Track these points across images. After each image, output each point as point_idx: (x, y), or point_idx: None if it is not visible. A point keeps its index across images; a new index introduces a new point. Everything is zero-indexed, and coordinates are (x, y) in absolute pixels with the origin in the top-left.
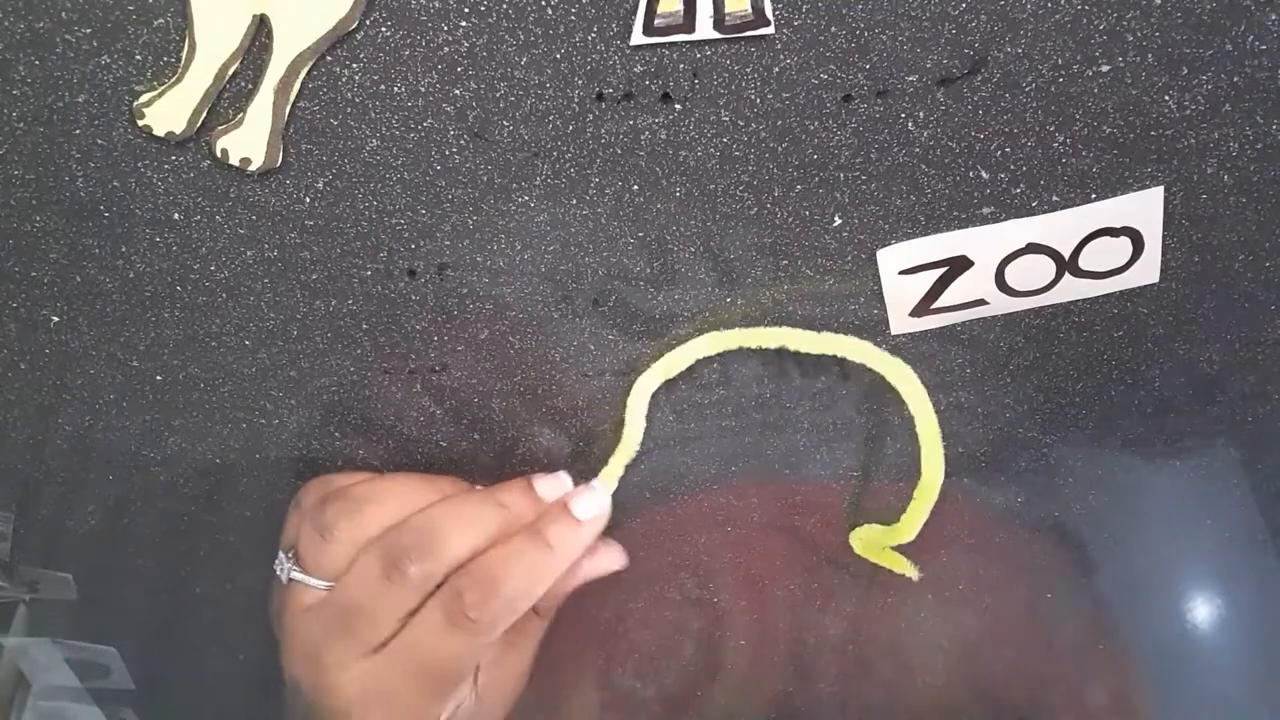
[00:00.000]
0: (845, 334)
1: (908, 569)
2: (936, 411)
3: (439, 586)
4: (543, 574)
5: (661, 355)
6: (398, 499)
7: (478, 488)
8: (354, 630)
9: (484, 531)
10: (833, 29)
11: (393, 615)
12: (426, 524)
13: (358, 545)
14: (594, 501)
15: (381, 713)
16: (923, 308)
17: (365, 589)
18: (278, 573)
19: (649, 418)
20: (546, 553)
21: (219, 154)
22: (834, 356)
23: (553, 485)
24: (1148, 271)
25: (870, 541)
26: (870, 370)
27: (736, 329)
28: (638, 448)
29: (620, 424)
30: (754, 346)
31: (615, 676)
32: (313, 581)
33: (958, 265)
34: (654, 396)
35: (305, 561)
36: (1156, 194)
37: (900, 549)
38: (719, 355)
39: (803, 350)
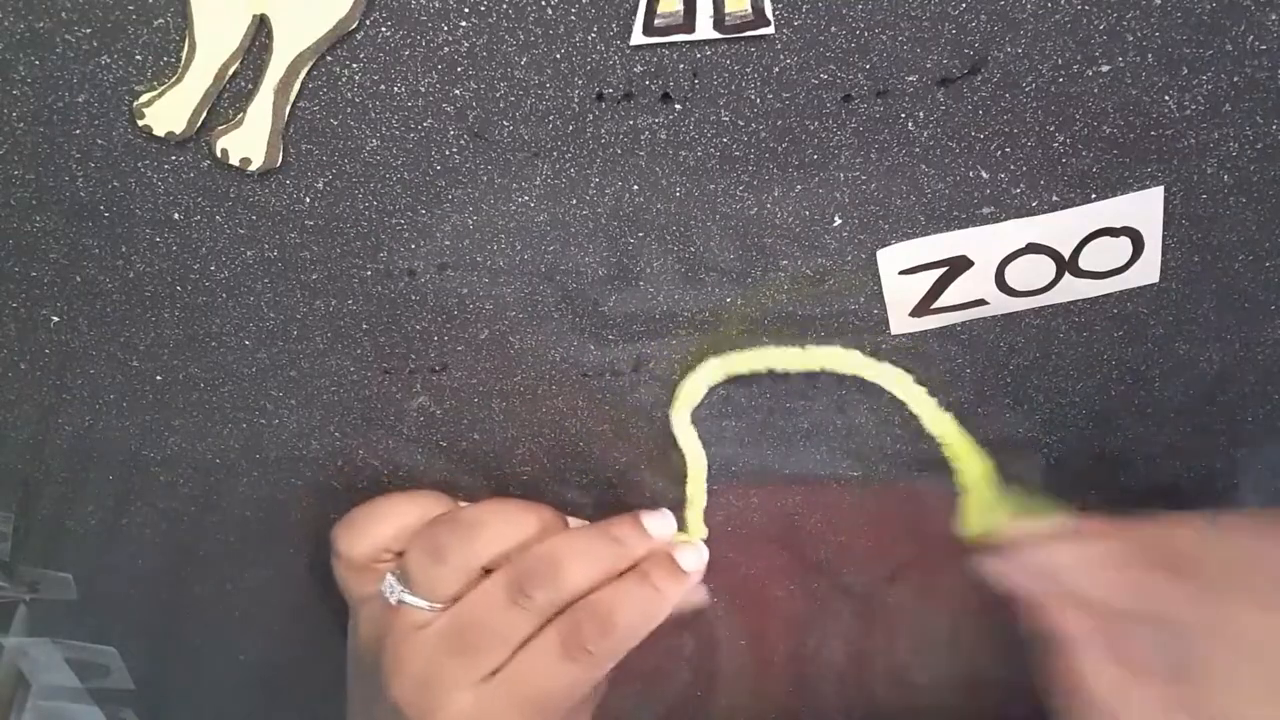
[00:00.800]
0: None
1: (1048, 517)
2: None
3: (550, 620)
4: (652, 615)
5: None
6: (508, 525)
7: (576, 521)
8: (470, 651)
9: (602, 565)
10: (833, 29)
11: (510, 639)
12: (551, 553)
13: (470, 570)
14: (698, 556)
15: None
16: (923, 308)
17: (488, 610)
18: (385, 594)
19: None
20: (654, 594)
21: (219, 154)
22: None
23: (660, 522)
24: (1148, 271)
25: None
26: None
27: (728, 353)
28: (705, 467)
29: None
30: (745, 371)
31: (614, 677)
32: (422, 603)
33: (958, 265)
34: (655, 398)
35: (415, 583)
36: (1156, 194)
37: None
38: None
39: (790, 369)
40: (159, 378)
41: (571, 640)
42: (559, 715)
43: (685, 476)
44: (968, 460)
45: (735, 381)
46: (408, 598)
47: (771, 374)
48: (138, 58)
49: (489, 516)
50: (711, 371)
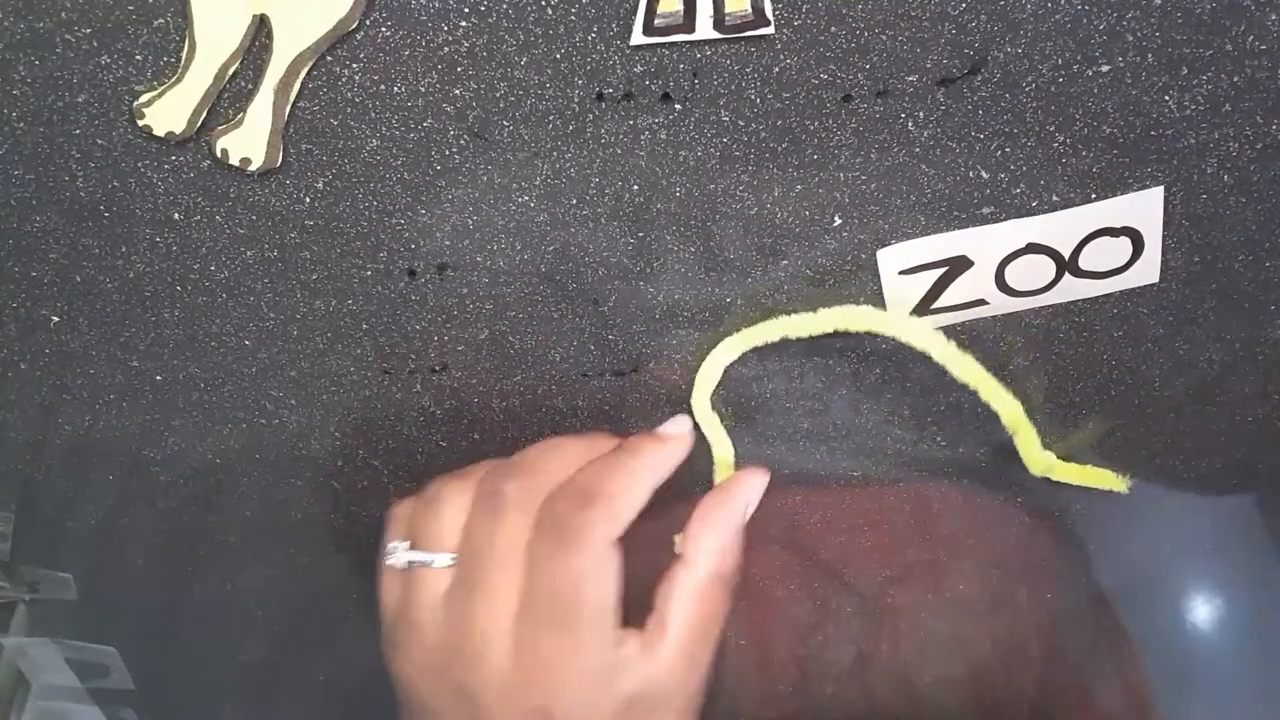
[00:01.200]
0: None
1: (1116, 483)
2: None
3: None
4: (633, 476)
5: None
6: (496, 459)
7: None
8: (485, 585)
9: (575, 453)
10: (833, 29)
11: (513, 547)
12: (520, 455)
13: (464, 505)
14: (676, 423)
15: (544, 685)
16: (923, 308)
17: (481, 532)
18: (392, 563)
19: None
20: (630, 457)
21: (219, 154)
22: (835, 347)
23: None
24: (1148, 271)
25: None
26: (874, 356)
27: (742, 330)
28: (732, 457)
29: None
30: (761, 343)
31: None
32: (429, 557)
33: (958, 265)
34: (655, 398)
35: (420, 539)
36: (1156, 194)
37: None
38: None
39: (805, 334)
40: (159, 378)
41: (551, 525)
42: (592, 620)
43: (711, 470)
44: (1000, 400)
45: (736, 379)
46: (415, 555)
47: (785, 341)
48: (138, 58)
49: (477, 466)
50: (729, 350)
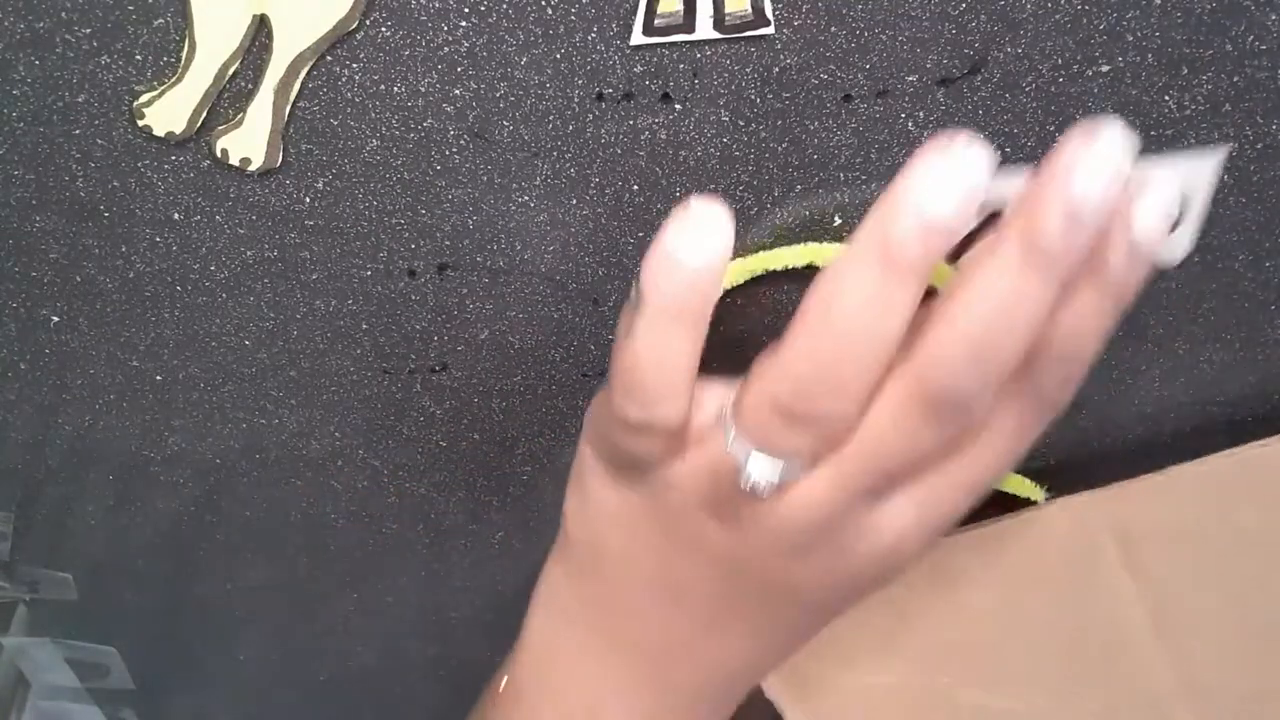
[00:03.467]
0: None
1: (1033, 492)
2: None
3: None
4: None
5: None
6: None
7: None
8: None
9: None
10: (833, 29)
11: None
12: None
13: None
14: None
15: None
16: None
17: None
18: (754, 485)
19: None
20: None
21: (219, 154)
22: None
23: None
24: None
25: None
26: None
27: (760, 253)
28: None
29: None
30: (780, 268)
31: None
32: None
33: None
34: None
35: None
36: (1210, 162)
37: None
38: None
39: (780, 267)
40: (159, 378)
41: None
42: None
43: None
44: None
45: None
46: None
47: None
48: (138, 58)
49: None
50: (733, 275)
